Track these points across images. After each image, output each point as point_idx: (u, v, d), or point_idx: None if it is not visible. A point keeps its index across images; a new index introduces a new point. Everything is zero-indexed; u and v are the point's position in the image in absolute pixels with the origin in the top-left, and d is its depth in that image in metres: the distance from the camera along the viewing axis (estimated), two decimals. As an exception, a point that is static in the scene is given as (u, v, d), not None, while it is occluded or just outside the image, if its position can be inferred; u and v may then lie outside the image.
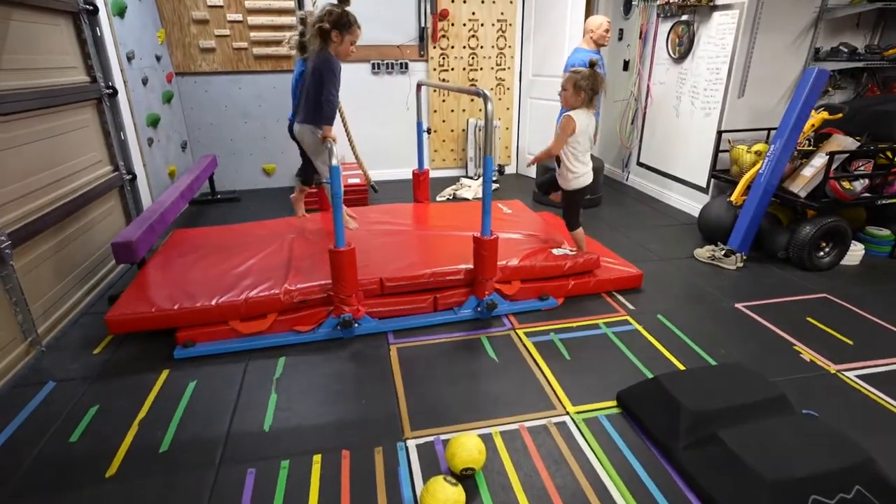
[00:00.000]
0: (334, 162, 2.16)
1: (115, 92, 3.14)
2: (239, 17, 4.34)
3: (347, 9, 2.49)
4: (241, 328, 2.29)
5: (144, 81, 3.78)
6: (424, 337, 2.43)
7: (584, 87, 2.58)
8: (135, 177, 3.34)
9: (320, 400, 2.01)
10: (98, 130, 3.07)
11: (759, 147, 3.54)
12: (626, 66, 4.95)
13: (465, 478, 1.60)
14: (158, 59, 4.10)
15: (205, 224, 3.97)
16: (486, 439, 1.77)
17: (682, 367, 2.18)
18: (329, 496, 1.56)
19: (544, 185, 3.17)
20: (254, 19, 4.36)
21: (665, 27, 4.34)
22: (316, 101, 2.48)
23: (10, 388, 2.07)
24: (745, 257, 3.22)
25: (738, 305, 2.71)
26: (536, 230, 3.18)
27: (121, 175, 3.23)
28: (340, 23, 2.45)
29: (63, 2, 2.75)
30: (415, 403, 1.98)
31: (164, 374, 2.16)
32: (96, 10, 2.99)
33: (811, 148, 3.31)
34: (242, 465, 1.68)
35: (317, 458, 1.71)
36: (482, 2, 4.84)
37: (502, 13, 4.96)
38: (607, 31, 3.99)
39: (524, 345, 2.36)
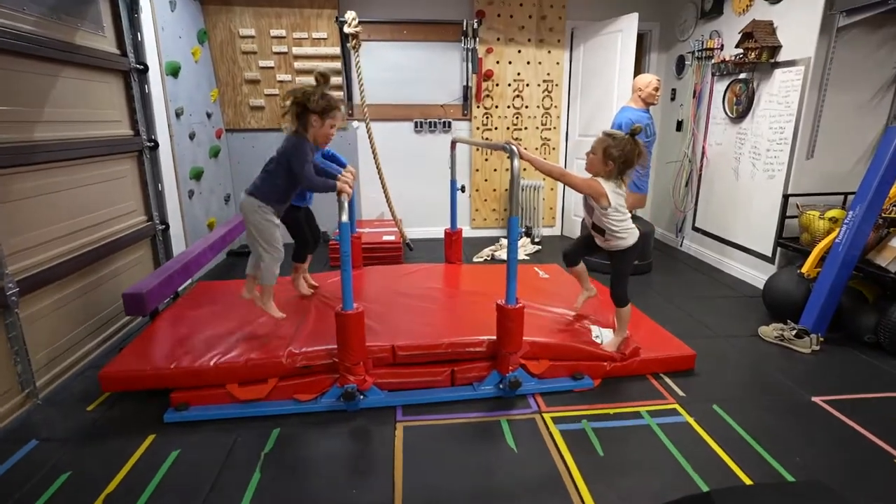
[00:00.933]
0: (344, 218, 2.01)
1: (156, 145, 3.22)
2: (288, 77, 4.50)
3: (328, 92, 2.24)
4: (238, 394, 2.10)
5: (192, 136, 3.90)
6: (436, 416, 2.15)
7: (615, 156, 2.20)
8: (168, 227, 3.36)
9: (307, 484, 1.75)
10: (136, 181, 3.13)
11: (834, 213, 3.13)
12: (679, 126, 4.69)
13: None
14: (209, 115, 4.27)
15: (237, 276, 3.93)
16: (491, 557, 1.44)
17: (743, 478, 1.77)
18: None
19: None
20: (301, 80, 4.50)
21: (721, 86, 4.09)
22: (273, 177, 2.27)
23: (-6, 444, 1.96)
24: (821, 339, 2.75)
25: (817, 399, 2.26)
26: (576, 300, 2.88)
27: (154, 225, 3.25)
28: (323, 108, 2.21)
29: (116, 62, 2.89)
30: (412, 496, 1.68)
31: (149, 439, 1.98)
32: (146, 69, 3.12)
33: (899, 216, 2.88)
34: (200, 563, 1.44)
35: (285, 562, 1.44)
36: (528, 63, 4.81)
37: (548, 74, 4.89)
38: (657, 89, 3.79)
39: (550, 433, 2.02)
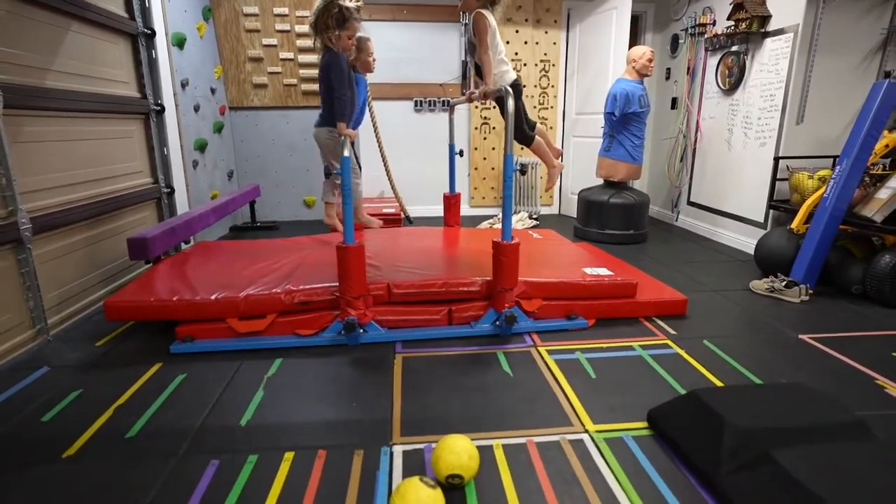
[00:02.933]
0: (346, 152, 2.09)
1: (163, 109, 3.31)
2: (291, 55, 4.59)
3: (342, 3, 2.45)
4: (238, 326, 2.17)
5: (196, 108, 3.99)
6: (435, 348, 2.22)
7: None
8: (173, 191, 3.44)
9: (308, 400, 1.82)
10: (142, 143, 3.21)
11: (823, 173, 3.20)
12: (673, 104, 4.78)
13: (452, 488, 1.34)
14: (213, 91, 4.36)
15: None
16: (485, 451, 1.50)
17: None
18: (291, 494, 1.34)
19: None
20: (304, 58, 4.60)
21: (713, 60, 4.18)
22: (330, 102, 2.46)
23: (7, 371, 2.02)
24: (810, 291, 2.82)
25: (804, 336, 2.32)
26: (568, 253, 2.96)
27: (159, 188, 3.33)
28: (338, 19, 2.44)
29: (124, 24, 2.98)
30: (410, 410, 1.75)
31: (156, 367, 2.05)
32: (153, 34, 3.22)
33: (886, 172, 2.95)
34: (207, 455, 1.50)
35: (288, 455, 1.50)
36: (525, 42, 4.90)
37: (545, 54, 4.99)
38: (650, 60, 3.89)
39: (545, 362, 2.09)
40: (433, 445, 1.51)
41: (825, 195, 2.88)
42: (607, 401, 1.79)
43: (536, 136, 2.69)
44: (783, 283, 2.83)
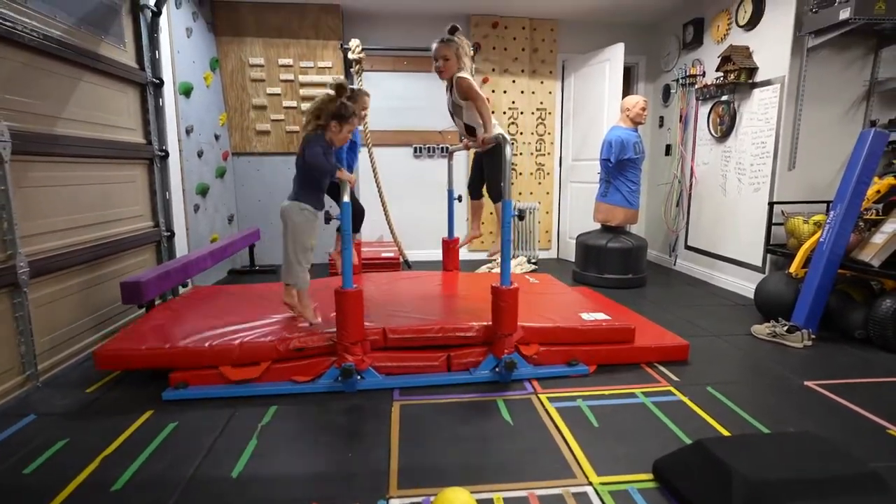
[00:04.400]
0: (346, 198, 2.12)
1: (167, 155, 3.37)
2: (294, 103, 4.73)
3: (346, 101, 2.40)
4: (231, 374, 2.13)
5: (200, 154, 4.07)
6: (433, 396, 2.17)
7: (465, 51, 2.69)
8: (173, 234, 3.46)
9: (303, 450, 1.76)
10: (145, 187, 3.25)
11: (818, 218, 3.24)
12: (667, 150, 4.89)
13: (451, 546, 1.28)
14: (217, 137, 4.46)
15: (236, 289, 3.99)
16: (486, 505, 1.45)
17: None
18: (282, 554, 1.28)
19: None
20: (307, 106, 4.72)
21: (705, 109, 4.31)
22: (304, 179, 2.40)
23: (-8, 419, 1.96)
24: (812, 336, 2.79)
25: (809, 383, 2.28)
26: (566, 298, 2.95)
27: (160, 231, 3.35)
28: (340, 114, 2.37)
29: (133, 74, 3.08)
30: (408, 461, 1.69)
31: (147, 414, 2.00)
32: (162, 83, 3.32)
33: (879, 217, 2.99)
34: (195, 510, 1.44)
35: (281, 510, 1.44)
36: (521, 92, 5.06)
37: (541, 102, 5.14)
38: (643, 108, 4.01)
39: (546, 409, 2.04)
40: (431, 499, 1.45)
41: (821, 239, 2.90)
42: (611, 451, 1.74)
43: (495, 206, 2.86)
44: (785, 328, 2.81)
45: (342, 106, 2.37)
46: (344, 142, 2.50)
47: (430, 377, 2.27)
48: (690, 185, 4.55)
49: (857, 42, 3.40)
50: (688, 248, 4.66)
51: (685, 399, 2.12)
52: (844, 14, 3.03)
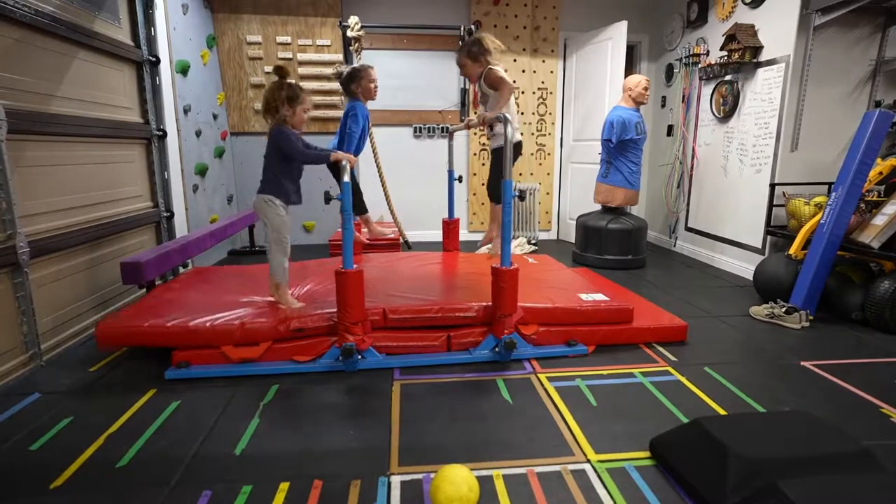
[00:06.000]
0: (346, 178, 2.11)
1: (165, 135, 3.34)
2: (292, 82, 4.65)
3: (291, 81, 2.40)
4: (232, 354, 2.14)
5: (198, 133, 4.03)
6: (433, 375, 2.19)
7: (479, 52, 2.70)
8: (172, 215, 3.45)
9: (304, 428, 1.78)
10: (144, 167, 3.23)
11: (819, 199, 3.23)
12: (669, 131, 4.85)
13: (451, 520, 1.30)
14: (215, 117, 4.41)
15: (237, 269, 4.00)
16: (485, 482, 1.47)
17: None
18: (285, 528, 1.30)
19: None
20: (306, 84, 4.66)
21: (708, 89, 4.26)
22: (272, 172, 2.39)
23: (-3, 397, 1.99)
24: (810, 317, 2.81)
25: (806, 363, 2.30)
26: (565, 279, 2.95)
27: (159, 211, 3.34)
28: (290, 97, 2.35)
29: (129, 52, 3.03)
30: (408, 439, 1.71)
31: (150, 393, 2.02)
32: (158, 61, 3.27)
33: (881, 199, 2.98)
34: (199, 486, 1.46)
35: (284, 486, 1.46)
36: (523, 71, 5.00)
37: (543, 82, 5.08)
38: (646, 88, 3.96)
39: (545, 389, 2.06)
40: (432, 476, 1.47)
41: (822, 221, 2.89)
42: (609, 429, 1.76)
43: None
44: (783, 310, 2.82)
45: (290, 88, 2.37)
46: (302, 122, 2.47)
47: (430, 357, 2.29)
48: (692, 166, 4.53)
49: (863, 20, 3.34)
50: (688, 229, 4.65)
51: (682, 379, 2.14)
52: (853, -9, 2.97)
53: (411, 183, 5.08)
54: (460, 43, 4.68)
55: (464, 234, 5.10)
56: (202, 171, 4.09)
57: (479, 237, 5.21)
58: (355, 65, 3.04)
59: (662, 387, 2.07)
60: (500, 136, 2.69)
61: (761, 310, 2.92)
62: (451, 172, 3.50)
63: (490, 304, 2.34)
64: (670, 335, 2.54)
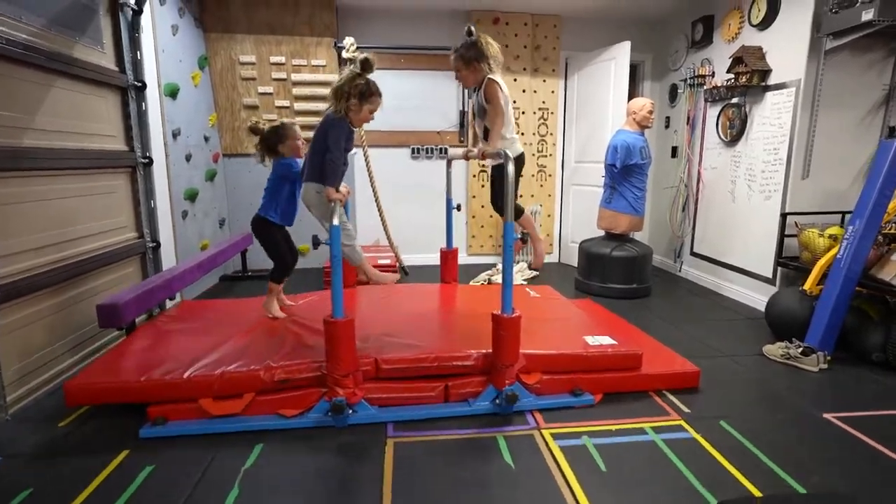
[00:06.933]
0: (335, 221, 1.97)
1: (151, 162, 3.21)
2: (287, 103, 4.54)
3: (371, 77, 2.37)
4: (211, 408, 1.99)
5: (188, 157, 3.90)
6: (429, 431, 2.03)
7: (474, 56, 2.47)
8: (159, 245, 3.30)
9: (288, 500, 1.63)
10: (128, 196, 3.10)
11: (833, 230, 3.09)
12: (673, 152, 4.73)
13: None
14: (207, 139, 4.28)
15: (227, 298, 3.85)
16: (486, 576, 1.31)
17: (755, 493, 1.65)
18: None
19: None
20: (300, 105, 4.55)
21: (714, 111, 4.14)
22: (319, 159, 2.35)
23: (-45, 460, 1.83)
24: (828, 357, 2.66)
25: (829, 416, 2.15)
26: (568, 317, 2.81)
27: (145, 242, 3.19)
28: (363, 92, 2.33)
29: (113, 78, 2.91)
30: (401, 516, 1.56)
31: (123, 455, 1.86)
32: (144, 86, 3.15)
33: (900, 232, 2.85)
34: (165, 583, 1.31)
35: (259, 582, 1.31)
36: (523, 91, 4.88)
37: (544, 102, 4.96)
38: (651, 112, 3.84)
39: (549, 449, 1.91)
40: (426, 569, 1.32)
41: (839, 256, 2.76)
42: (620, 503, 1.61)
43: (525, 211, 2.78)
44: (799, 350, 2.67)
45: (368, 83, 2.33)
46: (364, 121, 2.46)
47: (425, 409, 2.14)
48: (697, 189, 4.40)
49: (877, 44, 3.23)
50: (693, 254, 4.52)
51: (698, 436, 1.99)
52: (867, 15, 2.85)
53: (409, 205, 4.95)
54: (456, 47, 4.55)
55: (462, 258, 4.95)
56: (192, 197, 3.95)
57: (478, 261, 5.08)
58: (276, 124, 2.83)
59: (677, 447, 1.92)
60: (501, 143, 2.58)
61: (776, 350, 2.77)
62: (449, 201, 3.36)
63: (490, 350, 2.19)
64: (682, 382, 2.39)
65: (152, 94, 3.33)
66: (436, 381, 2.19)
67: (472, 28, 2.55)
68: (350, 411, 2.03)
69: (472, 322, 2.59)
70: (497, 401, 2.13)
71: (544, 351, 2.29)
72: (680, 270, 4.68)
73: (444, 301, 3.07)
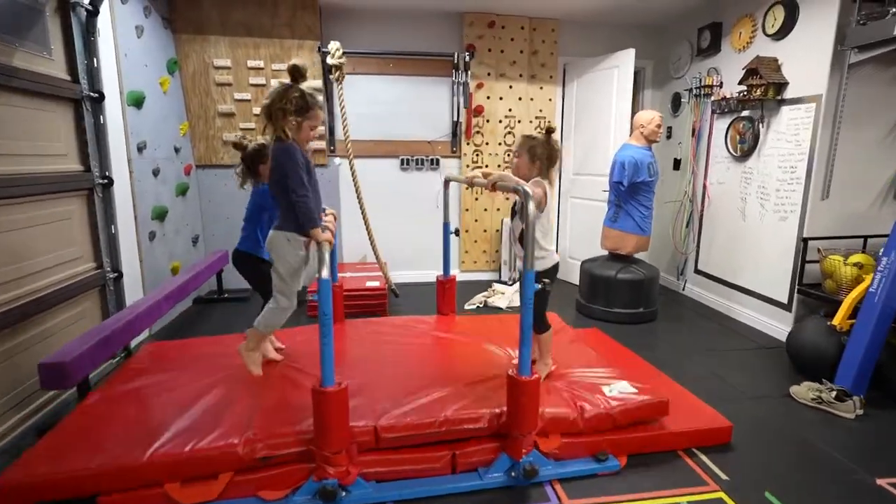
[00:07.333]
0: (325, 273, 1.66)
1: (110, 182, 2.84)
2: (306, 90, 4.17)
3: (305, 87, 1.97)
4: (180, 496, 1.67)
5: (156, 172, 3.53)
6: (436, 512, 1.75)
7: (539, 154, 2.18)
8: (121, 275, 2.94)
9: None
10: (84, 223, 2.73)
11: (858, 258, 2.89)
12: (676, 165, 4.51)
13: None
14: (177, 150, 3.91)
15: (203, 328, 3.51)
16: None
17: None
18: None
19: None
20: (280, 113, 4.19)
21: (722, 123, 3.92)
22: (285, 202, 2.01)
23: None
24: (864, 401, 2.45)
25: (882, 482, 1.93)
26: (579, 356, 2.55)
27: (104, 273, 2.83)
28: (300, 107, 1.94)
29: (64, 89, 2.54)
30: None
31: (66, 561, 1.53)
32: (102, 98, 2.78)
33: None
34: None
35: None
36: (519, 98, 4.60)
37: (541, 110, 4.70)
38: (659, 126, 3.60)
39: (578, 537, 1.64)
40: None
41: (872, 289, 2.54)
42: None
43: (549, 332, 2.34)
44: (833, 394, 2.46)
45: (302, 96, 1.93)
46: (306, 142, 2.04)
47: (430, 484, 1.85)
48: (703, 205, 4.18)
49: (898, 58, 3.03)
50: (697, 272, 4.31)
51: (743, 514, 1.74)
52: (900, 29, 2.64)
53: (398, 220, 4.64)
54: (454, 67, 4.23)
55: (456, 275, 4.65)
56: (161, 215, 3.59)
57: (470, 277, 4.79)
58: (263, 141, 2.52)
59: (723, 531, 1.67)
60: (537, 253, 2.14)
61: (806, 392, 2.55)
62: (446, 226, 3.06)
63: (503, 409, 1.92)
64: (713, 438, 2.15)
65: (113, 104, 2.97)
66: (442, 448, 1.91)
67: (552, 126, 2.27)
68: (343, 493, 1.73)
69: (478, 368, 2.31)
70: (513, 473, 1.86)
71: (563, 411, 2.01)
72: (684, 289, 4.47)
73: (443, 341, 2.77)
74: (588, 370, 2.39)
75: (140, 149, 3.32)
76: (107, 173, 2.83)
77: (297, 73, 1.93)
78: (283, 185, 1.96)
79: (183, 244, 4.00)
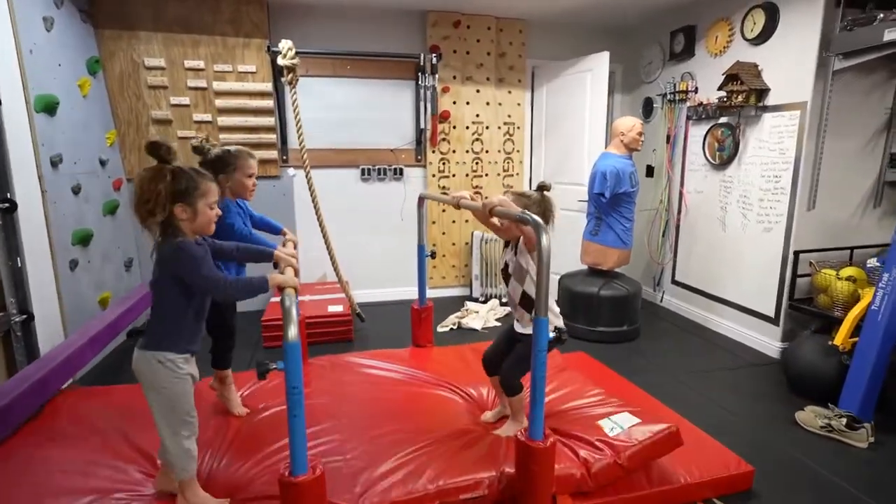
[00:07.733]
0: (291, 333, 1.29)
1: (13, 207, 2.35)
2: (208, 117, 3.71)
3: (183, 165, 1.51)
4: None
5: (76, 190, 3.01)
6: None
7: (538, 213, 1.86)
8: (31, 317, 2.44)
9: None
10: (-21, 259, 2.23)
11: (850, 272, 2.79)
12: (650, 171, 4.37)
13: None
14: (103, 163, 3.39)
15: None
16: None
17: None
18: None
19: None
20: (225, 120, 3.74)
21: (698, 130, 3.80)
22: (163, 312, 1.55)
23: None
24: (874, 427, 2.32)
25: (919, 530, 1.77)
26: (565, 383, 2.30)
27: (8, 318, 2.33)
28: (179, 191, 1.45)
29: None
30: None
31: None
32: (-1, 103, 2.28)
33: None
34: None
35: None
36: (487, 103, 4.34)
37: (509, 115, 4.45)
38: (640, 133, 3.42)
39: None
40: None
41: (874, 307, 2.42)
42: None
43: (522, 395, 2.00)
44: (842, 421, 2.31)
45: (176, 176, 1.45)
46: (206, 228, 1.55)
47: (426, 574, 1.53)
48: (679, 214, 4.06)
49: (880, 65, 2.96)
50: (675, 282, 4.18)
51: (789, 587, 1.52)
52: (891, 35, 2.54)
53: (360, 234, 4.27)
54: (419, 70, 3.91)
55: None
56: (84, 240, 3.07)
57: (438, 294, 4.47)
58: (229, 148, 2.15)
59: None
60: (529, 323, 1.88)
61: (814, 420, 2.40)
62: (421, 248, 2.74)
63: (501, 469, 1.62)
64: (734, 485, 1.93)
65: (16, 110, 2.46)
66: (436, 526, 1.59)
67: (547, 185, 1.97)
68: None
69: (469, 415, 2.00)
70: (524, 555, 1.56)
71: (572, 471, 1.74)
72: (661, 301, 4.33)
73: (421, 383, 2.44)
74: (582, 398, 2.15)
75: (55, 163, 2.80)
76: (8, 195, 2.33)
77: (154, 149, 1.45)
78: (168, 291, 1.50)
79: (113, 271, 3.47)
